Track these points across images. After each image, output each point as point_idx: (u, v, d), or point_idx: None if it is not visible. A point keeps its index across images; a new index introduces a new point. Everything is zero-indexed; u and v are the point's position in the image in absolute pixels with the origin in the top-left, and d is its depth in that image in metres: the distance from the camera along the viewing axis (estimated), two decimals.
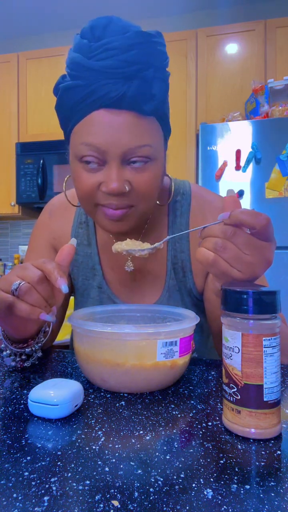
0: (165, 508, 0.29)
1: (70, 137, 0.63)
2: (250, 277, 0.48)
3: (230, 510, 0.29)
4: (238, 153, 2.16)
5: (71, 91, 0.58)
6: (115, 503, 0.29)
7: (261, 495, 0.31)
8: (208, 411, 0.47)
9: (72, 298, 0.89)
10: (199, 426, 0.42)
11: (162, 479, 0.32)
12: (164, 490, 0.31)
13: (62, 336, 1.16)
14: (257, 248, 0.47)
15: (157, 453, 0.37)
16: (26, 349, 0.61)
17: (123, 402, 0.49)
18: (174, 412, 0.46)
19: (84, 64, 0.56)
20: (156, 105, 0.59)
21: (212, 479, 0.33)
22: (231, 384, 0.41)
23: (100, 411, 0.46)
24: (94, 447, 0.38)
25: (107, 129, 0.56)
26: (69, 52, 0.59)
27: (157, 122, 0.61)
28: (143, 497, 0.30)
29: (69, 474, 0.33)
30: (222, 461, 0.35)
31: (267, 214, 0.47)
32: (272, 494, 0.31)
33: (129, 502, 0.30)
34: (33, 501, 0.30)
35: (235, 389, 0.40)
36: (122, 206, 0.61)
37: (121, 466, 0.34)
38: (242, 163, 2.16)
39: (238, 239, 0.46)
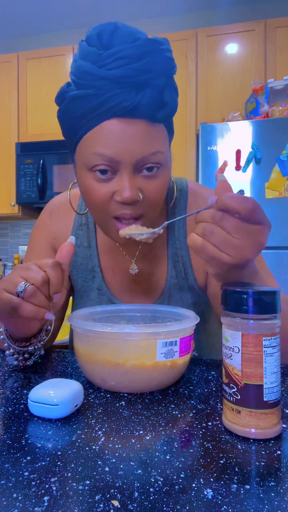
0: (165, 508, 0.29)
1: (77, 146, 0.62)
2: (240, 260, 0.47)
3: (230, 510, 0.29)
4: (238, 153, 2.16)
5: (80, 100, 0.57)
6: (115, 503, 0.29)
7: (261, 495, 0.31)
8: (208, 411, 0.47)
9: (71, 298, 0.89)
10: (199, 426, 0.42)
11: (162, 479, 0.32)
12: (164, 490, 0.31)
13: (62, 336, 1.16)
14: (247, 232, 0.46)
15: (157, 453, 0.37)
16: (29, 348, 0.62)
17: (123, 402, 0.49)
18: (174, 412, 0.46)
19: (95, 73, 0.55)
20: (168, 113, 0.59)
21: (212, 479, 0.33)
22: (231, 384, 0.41)
23: (100, 411, 0.46)
24: (94, 447, 0.38)
25: (120, 139, 0.56)
26: (75, 60, 0.58)
27: (164, 128, 0.61)
28: (143, 497, 0.30)
29: (69, 474, 0.33)
30: (222, 461, 0.35)
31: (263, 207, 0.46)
32: (272, 494, 0.31)
33: (129, 502, 0.30)
34: (33, 501, 0.30)
35: (235, 389, 0.40)
36: (135, 215, 0.61)
37: (121, 466, 0.34)
38: (242, 163, 2.16)
39: (226, 223, 0.46)
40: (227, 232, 0.46)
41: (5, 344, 0.61)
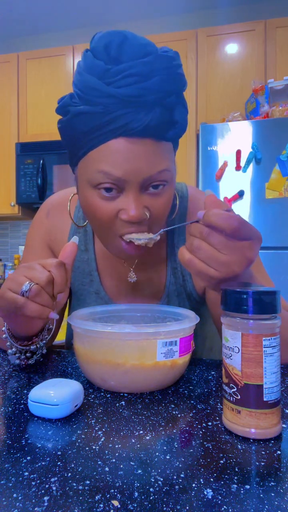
0: (165, 508, 0.29)
1: (79, 161, 0.60)
2: (227, 276, 0.47)
3: (230, 510, 0.29)
4: (238, 153, 2.16)
5: (86, 117, 0.55)
6: (115, 503, 0.29)
7: (261, 495, 0.31)
8: (208, 411, 0.47)
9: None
10: (199, 426, 0.42)
11: (162, 479, 0.32)
12: (164, 490, 0.31)
13: (62, 336, 1.16)
14: (234, 248, 0.46)
15: (157, 453, 0.37)
16: (31, 347, 0.62)
17: (123, 402, 0.49)
18: (174, 412, 0.46)
19: (102, 90, 0.53)
20: (178, 132, 0.58)
21: (212, 479, 0.33)
22: (231, 384, 0.41)
23: (100, 411, 0.46)
24: (94, 447, 0.38)
25: (127, 159, 0.55)
26: (80, 72, 0.56)
27: (171, 145, 0.60)
28: (143, 497, 0.30)
29: (69, 474, 0.33)
30: (222, 461, 0.35)
31: (242, 217, 0.46)
32: (272, 494, 0.31)
33: (129, 502, 0.30)
34: (33, 501, 0.30)
35: (235, 389, 0.41)
36: (140, 231, 0.60)
37: (121, 466, 0.34)
38: (242, 163, 2.16)
39: (213, 239, 0.46)
40: (214, 248, 0.46)
41: (8, 343, 0.61)
